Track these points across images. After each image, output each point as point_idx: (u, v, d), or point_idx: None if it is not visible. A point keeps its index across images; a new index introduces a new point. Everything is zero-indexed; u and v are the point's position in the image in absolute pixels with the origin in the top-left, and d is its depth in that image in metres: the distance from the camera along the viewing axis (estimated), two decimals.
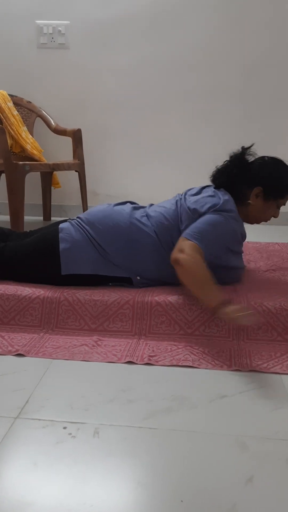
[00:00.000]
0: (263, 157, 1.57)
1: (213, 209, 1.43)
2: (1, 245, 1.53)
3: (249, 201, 1.52)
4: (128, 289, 1.47)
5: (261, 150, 1.59)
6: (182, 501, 0.74)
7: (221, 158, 1.59)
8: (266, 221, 1.59)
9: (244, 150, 1.55)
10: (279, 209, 1.57)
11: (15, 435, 0.90)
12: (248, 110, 2.86)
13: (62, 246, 1.46)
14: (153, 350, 1.26)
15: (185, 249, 1.33)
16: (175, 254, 1.35)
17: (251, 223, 1.59)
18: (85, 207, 2.71)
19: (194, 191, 1.55)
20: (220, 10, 2.75)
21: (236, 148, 1.58)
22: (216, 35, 2.79)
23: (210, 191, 1.52)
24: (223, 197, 1.47)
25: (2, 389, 1.07)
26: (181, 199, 1.53)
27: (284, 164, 1.55)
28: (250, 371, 1.16)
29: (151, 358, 1.22)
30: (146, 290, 1.46)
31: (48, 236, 1.50)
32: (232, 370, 1.16)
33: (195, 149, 2.87)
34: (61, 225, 1.52)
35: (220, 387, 1.09)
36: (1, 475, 0.80)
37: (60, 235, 1.48)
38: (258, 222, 1.59)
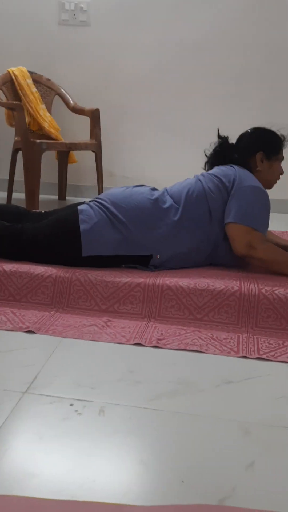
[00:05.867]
0: (245, 131, 1.70)
1: (241, 179, 1.53)
2: (18, 226, 1.53)
3: (258, 169, 1.63)
4: (140, 272, 1.48)
5: None
6: (183, 481, 0.76)
7: None
8: (276, 181, 1.69)
9: (222, 138, 1.69)
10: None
11: (23, 409, 0.92)
12: (273, 92, 2.79)
13: (82, 227, 1.47)
14: (161, 333, 1.27)
15: (255, 245, 1.47)
16: (247, 251, 1.48)
17: (267, 188, 1.66)
18: (100, 187, 2.71)
19: (211, 171, 1.64)
20: None
21: None
22: (241, 16, 2.71)
23: (225, 167, 1.61)
24: (239, 169, 1.58)
25: (12, 364, 1.09)
26: (202, 175, 1.62)
27: (263, 127, 1.69)
28: (257, 358, 1.16)
29: (159, 341, 1.23)
30: (158, 273, 1.46)
31: (68, 218, 1.51)
32: (239, 357, 1.17)
33: (215, 132, 2.82)
34: (79, 207, 1.53)
35: (227, 373, 1.10)
36: (8, 446, 0.82)
37: (80, 216, 1.49)
38: (271, 186, 1.68)
